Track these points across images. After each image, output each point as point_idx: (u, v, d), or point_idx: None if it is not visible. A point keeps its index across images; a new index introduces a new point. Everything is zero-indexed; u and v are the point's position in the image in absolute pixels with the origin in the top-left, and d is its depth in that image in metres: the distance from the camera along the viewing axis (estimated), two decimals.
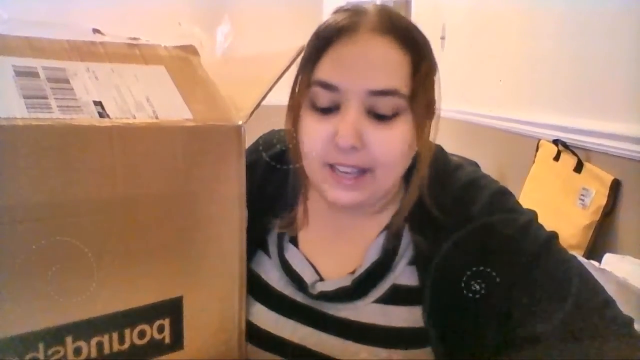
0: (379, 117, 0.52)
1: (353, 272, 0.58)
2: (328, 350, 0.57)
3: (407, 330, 0.56)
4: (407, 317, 0.56)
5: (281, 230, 0.63)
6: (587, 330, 0.48)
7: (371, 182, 0.53)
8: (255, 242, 0.61)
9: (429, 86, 0.55)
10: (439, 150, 0.61)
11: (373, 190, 0.55)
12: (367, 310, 0.57)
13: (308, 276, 0.59)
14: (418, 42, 0.54)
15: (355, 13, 0.53)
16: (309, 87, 0.53)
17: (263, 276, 0.62)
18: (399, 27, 0.53)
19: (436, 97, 0.57)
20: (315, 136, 0.53)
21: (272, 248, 0.63)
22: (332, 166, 0.53)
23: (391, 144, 0.52)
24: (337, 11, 0.56)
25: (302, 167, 0.57)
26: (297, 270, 0.60)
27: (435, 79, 0.56)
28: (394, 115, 0.52)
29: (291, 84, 0.59)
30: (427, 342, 0.56)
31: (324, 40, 0.53)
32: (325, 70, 0.52)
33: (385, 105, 0.51)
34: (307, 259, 0.61)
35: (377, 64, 0.51)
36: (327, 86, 0.52)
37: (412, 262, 0.57)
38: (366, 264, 0.58)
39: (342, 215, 0.61)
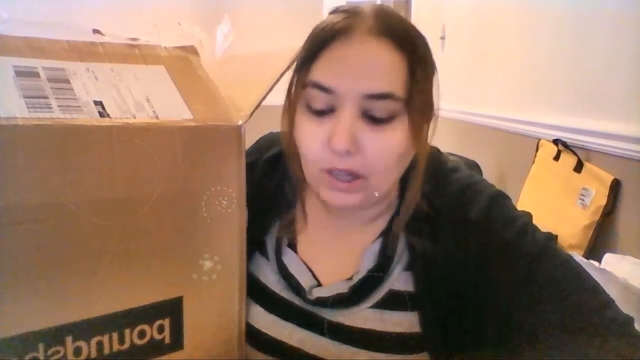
0: (374, 121, 0.51)
1: (350, 278, 0.58)
2: (325, 354, 0.57)
3: (404, 336, 0.56)
4: (403, 322, 0.56)
5: (280, 234, 0.62)
6: (587, 330, 0.48)
7: (365, 187, 0.53)
8: (254, 244, 0.61)
9: (426, 89, 0.54)
10: (436, 151, 0.61)
11: (367, 195, 0.54)
12: (363, 316, 0.57)
13: (305, 281, 0.59)
14: (415, 43, 0.52)
15: (352, 14, 0.53)
16: (304, 89, 0.53)
17: (261, 279, 0.62)
18: (395, 29, 0.51)
19: (435, 99, 0.56)
20: (311, 139, 0.52)
21: (270, 251, 0.63)
22: (328, 170, 0.53)
23: (386, 148, 0.51)
24: (334, 12, 0.55)
25: (299, 169, 0.57)
26: (295, 274, 0.60)
27: (434, 80, 0.55)
28: (390, 118, 0.51)
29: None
30: (423, 347, 0.56)
31: (319, 42, 0.52)
32: (320, 72, 0.51)
33: (380, 109, 0.50)
34: (304, 264, 0.60)
35: (372, 67, 0.50)
36: (322, 88, 0.51)
37: (407, 268, 0.57)
38: (363, 271, 0.58)
39: (339, 219, 0.61)
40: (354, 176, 0.52)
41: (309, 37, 0.55)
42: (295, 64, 0.57)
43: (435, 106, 0.56)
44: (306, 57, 0.53)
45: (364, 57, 0.51)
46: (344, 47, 0.51)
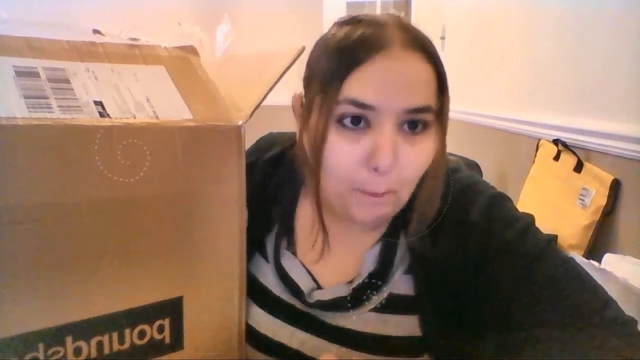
0: (410, 133, 0.50)
1: (350, 282, 0.58)
2: None
3: (404, 339, 0.56)
4: (403, 325, 0.56)
5: (279, 236, 0.62)
6: (588, 330, 0.48)
7: (394, 199, 0.53)
8: (254, 244, 0.61)
9: (449, 99, 0.54)
10: None
11: (396, 206, 0.54)
12: (363, 319, 0.57)
13: (304, 284, 0.59)
14: (438, 55, 0.52)
15: (378, 26, 0.51)
16: (336, 105, 0.50)
17: (261, 280, 0.62)
18: (423, 42, 0.51)
19: None
20: (346, 158, 0.50)
21: (270, 252, 0.63)
22: (363, 191, 0.51)
23: (420, 160, 0.51)
24: (349, 23, 0.53)
25: (315, 182, 0.54)
26: (294, 277, 0.60)
27: None
28: (423, 130, 0.51)
29: (291, 84, 0.59)
30: (424, 350, 0.56)
31: (352, 56, 0.49)
32: (358, 89, 0.49)
33: (418, 121, 0.50)
34: (304, 267, 0.60)
35: (414, 81, 0.50)
36: (362, 106, 0.49)
37: (407, 271, 0.57)
38: (363, 274, 0.57)
39: (340, 223, 0.60)
40: (387, 191, 0.51)
41: (328, 48, 0.52)
42: (296, 66, 0.56)
43: None
44: (336, 71, 0.50)
45: (405, 72, 0.49)
46: (384, 61, 0.49)
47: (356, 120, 0.50)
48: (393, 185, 0.51)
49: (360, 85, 0.49)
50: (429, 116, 0.51)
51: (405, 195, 0.54)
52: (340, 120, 0.50)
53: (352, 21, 0.53)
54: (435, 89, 0.52)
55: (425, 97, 0.50)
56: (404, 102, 0.49)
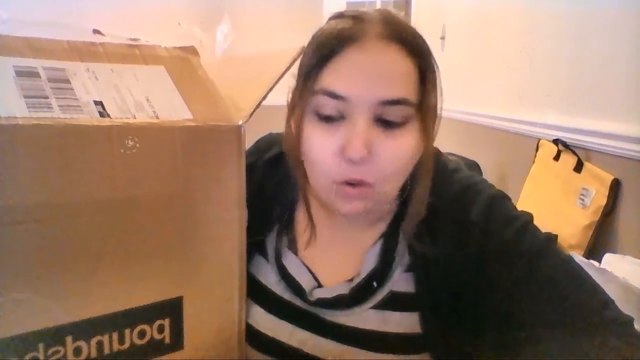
0: (388, 126, 0.50)
1: (351, 280, 0.58)
2: (326, 354, 0.57)
3: (404, 336, 0.56)
4: (403, 323, 0.56)
5: (279, 236, 0.62)
6: (587, 330, 0.48)
7: (373, 193, 0.53)
8: (254, 245, 0.61)
9: (434, 92, 0.54)
10: (436, 152, 0.61)
11: (376, 200, 0.54)
12: (364, 317, 0.57)
13: (306, 282, 0.59)
14: (423, 50, 0.52)
15: (359, 20, 0.51)
16: (313, 96, 0.51)
17: (261, 279, 0.62)
18: (405, 35, 0.51)
19: (437, 99, 0.56)
20: (322, 149, 0.51)
21: (270, 252, 0.63)
22: (340, 183, 0.52)
23: (399, 153, 0.51)
24: (336, 17, 0.54)
25: (303, 175, 0.56)
26: (295, 276, 0.60)
27: (438, 81, 0.55)
28: (402, 123, 0.51)
29: (291, 84, 0.59)
30: (424, 347, 0.56)
31: (328, 48, 0.50)
32: (331, 80, 0.50)
33: (394, 114, 0.50)
34: (305, 265, 0.60)
35: (387, 73, 0.50)
36: (334, 96, 0.50)
37: (408, 269, 0.57)
38: (364, 273, 0.58)
39: (340, 221, 0.61)
40: (362, 184, 0.51)
41: (313, 43, 0.53)
42: (294, 65, 0.56)
43: (438, 106, 0.56)
44: (312, 64, 0.51)
45: (378, 63, 0.50)
46: (357, 53, 0.50)
47: (331, 112, 0.51)
48: (369, 178, 0.51)
49: (334, 77, 0.50)
50: (406, 109, 0.51)
51: (388, 189, 0.54)
52: (317, 113, 0.51)
53: (337, 16, 0.54)
54: (416, 83, 0.52)
55: (401, 89, 0.50)
56: (376, 94, 0.49)
